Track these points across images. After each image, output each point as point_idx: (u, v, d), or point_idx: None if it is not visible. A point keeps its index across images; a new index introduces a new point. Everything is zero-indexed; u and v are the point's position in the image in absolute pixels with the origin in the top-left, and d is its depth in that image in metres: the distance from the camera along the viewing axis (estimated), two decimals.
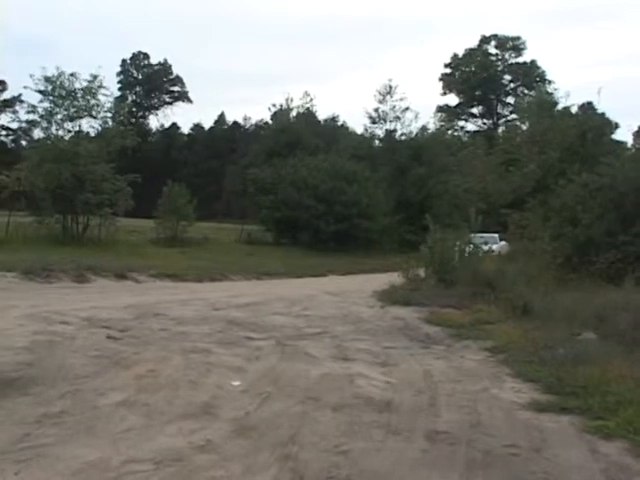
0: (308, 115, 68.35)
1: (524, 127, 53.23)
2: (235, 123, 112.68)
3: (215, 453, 5.77)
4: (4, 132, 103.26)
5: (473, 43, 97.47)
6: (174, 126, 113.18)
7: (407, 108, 57.51)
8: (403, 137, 58.44)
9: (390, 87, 56.64)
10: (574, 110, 48.18)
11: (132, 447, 5.83)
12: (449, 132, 69.18)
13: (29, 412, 6.70)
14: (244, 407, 7.14)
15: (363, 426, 6.67)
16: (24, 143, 71.02)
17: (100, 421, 6.51)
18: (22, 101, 56.88)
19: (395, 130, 58.59)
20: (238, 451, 5.84)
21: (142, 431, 6.27)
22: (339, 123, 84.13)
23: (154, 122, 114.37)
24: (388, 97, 56.92)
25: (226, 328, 12.20)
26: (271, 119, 73.04)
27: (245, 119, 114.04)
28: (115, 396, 7.33)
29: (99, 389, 7.60)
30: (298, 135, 58.15)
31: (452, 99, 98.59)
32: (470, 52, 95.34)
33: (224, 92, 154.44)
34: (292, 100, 66.32)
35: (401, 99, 57.19)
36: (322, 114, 78.67)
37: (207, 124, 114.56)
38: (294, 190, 45.28)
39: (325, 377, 8.61)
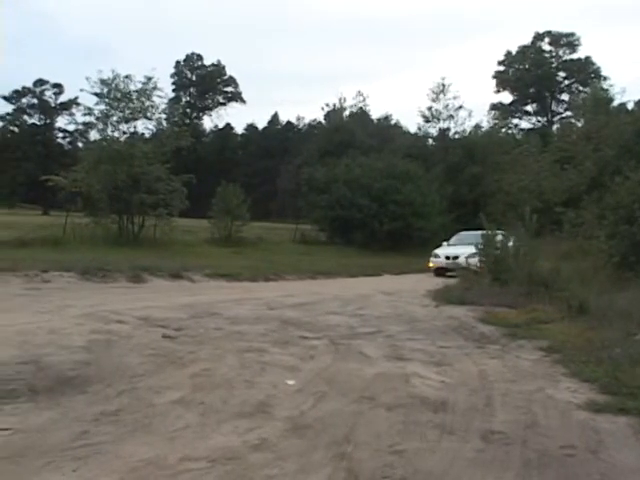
0: (361, 114, 68.47)
1: (579, 124, 52.62)
2: (288, 123, 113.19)
3: (270, 452, 5.79)
4: (61, 134, 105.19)
5: (527, 40, 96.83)
6: (228, 126, 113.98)
7: (460, 106, 57.42)
8: (457, 136, 58.33)
9: (443, 85, 56.60)
10: (630, 106, 47.63)
11: (188, 445, 5.87)
12: (503, 130, 68.53)
13: (87, 410, 6.79)
14: (299, 406, 7.15)
15: (418, 426, 6.64)
16: (80, 145, 72.10)
17: (156, 419, 6.57)
18: (78, 104, 57.89)
19: (448, 129, 58.49)
20: (293, 450, 5.85)
21: (197, 429, 6.31)
22: (392, 122, 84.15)
23: (208, 123, 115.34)
24: (441, 95, 56.88)
25: (281, 327, 12.23)
26: (324, 119, 73.35)
27: (298, 119, 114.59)
28: (171, 394, 7.39)
29: (155, 387, 7.67)
30: (351, 134, 58.21)
31: (506, 97, 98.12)
32: (524, 49, 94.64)
33: (277, 92, 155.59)
34: (345, 100, 66.59)
35: (454, 97, 57.11)
36: (375, 113, 78.82)
37: (261, 124, 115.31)
38: (348, 189, 45.24)
39: (379, 376, 8.59)
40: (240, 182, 45.88)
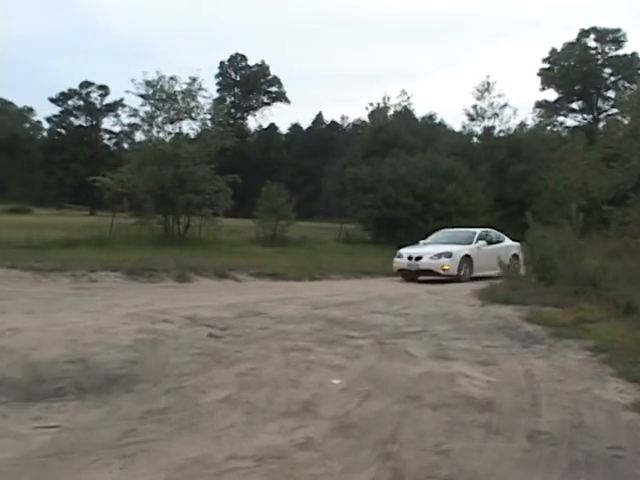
0: (405, 113, 68.28)
1: (625, 121, 51.97)
2: (333, 122, 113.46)
3: (315, 451, 5.80)
4: (107, 135, 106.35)
5: (572, 37, 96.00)
6: (272, 126, 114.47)
7: (505, 104, 57.05)
8: (501, 134, 57.91)
9: (488, 83, 56.27)
10: None
11: (234, 444, 5.90)
12: (548, 128, 67.99)
13: (133, 408, 6.86)
14: (344, 405, 7.16)
15: (463, 426, 6.61)
16: (126, 146, 72.75)
17: (202, 418, 6.62)
18: (124, 105, 58.45)
19: (493, 127, 58.13)
20: (338, 449, 5.86)
21: (243, 428, 6.34)
22: (436, 121, 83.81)
23: (252, 123, 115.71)
24: (486, 94, 56.55)
25: (326, 327, 12.22)
26: (368, 118, 73.11)
27: (343, 118, 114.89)
28: (217, 393, 7.43)
29: (201, 386, 7.72)
30: (396, 133, 58.06)
31: (551, 94, 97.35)
32: (569, 46, 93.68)
33: (321, 92, 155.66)
34: (389, 99, 66.44)
35: (499, 95, 56.75)
36: (419, 112, 78.52)
37: (305, 124, 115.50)
38: (392, 189, 45.12)
39: (425, 376, 8.57)
40: (285, 182, 45.90)
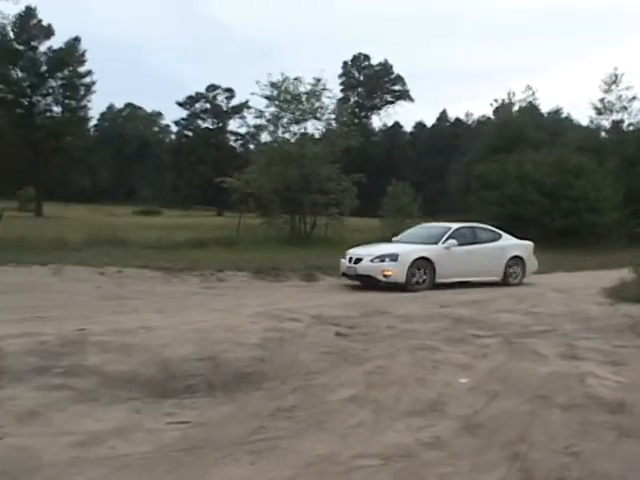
0: (530, 109, 67.08)
1: None
2: (457, 120, 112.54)
3: (443, 450, 5.79)
4: (233, 137, 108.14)
5: None
6: (396, 125, 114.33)
7: (634, 97, 55.44)
8: (631, 127, 56.38)
9: (615, 76, 54.70)
10: None
11: (361, 442, 5.94)
12: None
13: (262, 406, 6.97)
14: (472, 405, 7.12)
15: (594, 427, 6.49)
16: (252, 147, 73.74)
17: (330, 416, 6.67)
18: (249, 107, 59.21)
19: (622, 120, 56.58)
20: (466, 449, 5.83)
21: (371, 427, 6.37)
22: (563, 115, 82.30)
23: (377, 122, 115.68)
24: (614, 86, 55.04)
25: (452, 326, 12.15)
26: (493, 114, 72.20)
27: (467, 115, 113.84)
28: (344, 392, 7.49)
29: (329, 385, 7.78)
30: (521, 129, 57.14)
31: None
32: None
33: (445, 89, 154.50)
34: (514, 94, 65.31)
35: (627, 88, 55.14)
36: (545, 107, 77.17)
37: (429, 122, 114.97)
38: (519, 185, 44.45)
39: (554, 375, 8.44)
40: (409, 180, 45.69)
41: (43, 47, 77.40)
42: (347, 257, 19.92)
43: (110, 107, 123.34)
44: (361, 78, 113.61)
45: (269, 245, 29.64)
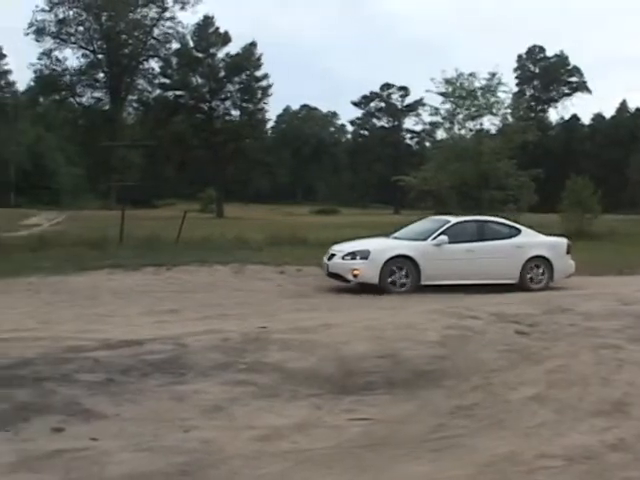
0: None
1: None
2: (638, 110, 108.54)
3: (628, 452, 5.63)
4: (409, 135, 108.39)
5: None
6: (574, 118, 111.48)
7: None
8: None
9: None
10: None
11: (543, 442, 5.85)
12: None
13: (443, 403, 6.97)
14: None
15: None
16: (428, 144, 73.66)
17: (511, 415, 6.61)
18: (424, 104, 59.14)
19: None
20: None
21: (553, 426, 6.27)
22: None
23: (554, 115, 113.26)
24: None
25: (636, 324, 11.76)
26: None
27: None
28: (525, 390, 7.38)
29: (509, 383, 7.69)
30: None
31: None
32: None
33: (625, 79, 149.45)
34: None
35: None
36: None
37: (608, 113, 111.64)
38: None
39: None
40: (588, 174, 44.61)
41: (221, 53, 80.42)
42: (329, 254, 18.00)
43: (286, 109, 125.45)
44: (536, 71, 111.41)
45: None
